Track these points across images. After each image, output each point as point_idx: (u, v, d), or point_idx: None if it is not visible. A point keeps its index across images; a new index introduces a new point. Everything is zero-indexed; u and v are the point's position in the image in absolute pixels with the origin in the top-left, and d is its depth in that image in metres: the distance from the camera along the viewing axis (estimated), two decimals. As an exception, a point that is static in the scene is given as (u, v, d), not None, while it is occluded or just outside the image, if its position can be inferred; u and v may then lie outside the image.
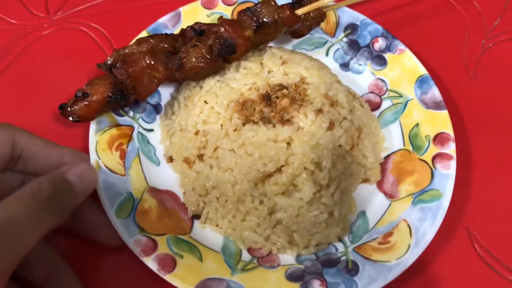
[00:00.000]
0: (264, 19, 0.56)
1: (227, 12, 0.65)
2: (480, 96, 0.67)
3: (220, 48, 0.54)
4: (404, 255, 0.50)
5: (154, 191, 0.54)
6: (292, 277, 0.49)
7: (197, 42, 0.54)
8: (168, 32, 0.63)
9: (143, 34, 0.62)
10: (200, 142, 0.54)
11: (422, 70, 0.61)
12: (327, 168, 0.51)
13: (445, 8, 0.75)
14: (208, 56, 0.54)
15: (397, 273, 0.49)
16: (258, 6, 0.56)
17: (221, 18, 0.57)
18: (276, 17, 0.56)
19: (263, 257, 0.52)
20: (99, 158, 0.52)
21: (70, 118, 0.53)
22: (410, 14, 0.73)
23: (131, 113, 0.58)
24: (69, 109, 0.52)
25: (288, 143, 0.51)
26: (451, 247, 0.56)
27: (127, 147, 0.55)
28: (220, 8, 0.65)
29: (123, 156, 0.55)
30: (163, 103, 0.62)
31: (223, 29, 0.54)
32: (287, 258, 0.52)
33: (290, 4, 0.59)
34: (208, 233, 0.54)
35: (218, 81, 0.57)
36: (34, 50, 0.67)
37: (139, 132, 0.57)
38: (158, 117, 0.60)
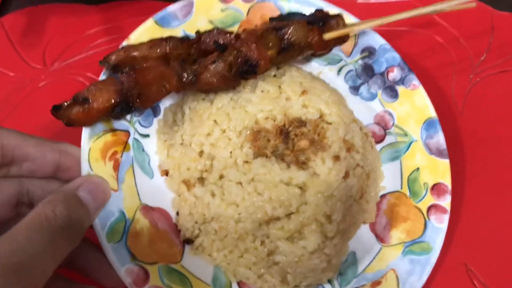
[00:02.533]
0: (292, 42, 0.51)
1: (244, 9, 0.59)
2: (469, 129, 0.69)
3: (241, 68, 0.49)
4: (390, 306, 0.51)
5: (147, 210, 0.50)
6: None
7: (217, 58, 0.49)
8: (177, 23, 0.56)
9: (150, 22, 0.55)
10: (203, 165, 0.50)
11: (432, 113, 0.60)
12: (336, 221, 0.49)
13: (433, 46, 0.74)
14: (226, 74, 0.49)
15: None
16: (290, 27, 0.50)
17: (245, 30, 0.51)
18: (304, 41, 0.51)
19: (253, 293, 0.51)
20: (92, 170, 0.47)
21: (64, 121, 0.47)
22: (400, 53, 0.71)
23: (128, 116, 0.52)
24: (63, 112, 0.46)
25: (301, 188, 0.49)
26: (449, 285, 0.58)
27: (121, 156, 0.50)
28: (236, 3, 0.59)
29: (116, 167, 0.50)
30: (162, 105, 0.56)
31: (247, 48, 0.49)
32: (277, 295, 0.52)
33: (318, 25, 0.54)
34: (198, 260, 0.51)
35: (231, 99, 0.52)
36: (32, 100, 0.66)
37: (134, 138, 0.52)
38: (155, 120, 0.55)
